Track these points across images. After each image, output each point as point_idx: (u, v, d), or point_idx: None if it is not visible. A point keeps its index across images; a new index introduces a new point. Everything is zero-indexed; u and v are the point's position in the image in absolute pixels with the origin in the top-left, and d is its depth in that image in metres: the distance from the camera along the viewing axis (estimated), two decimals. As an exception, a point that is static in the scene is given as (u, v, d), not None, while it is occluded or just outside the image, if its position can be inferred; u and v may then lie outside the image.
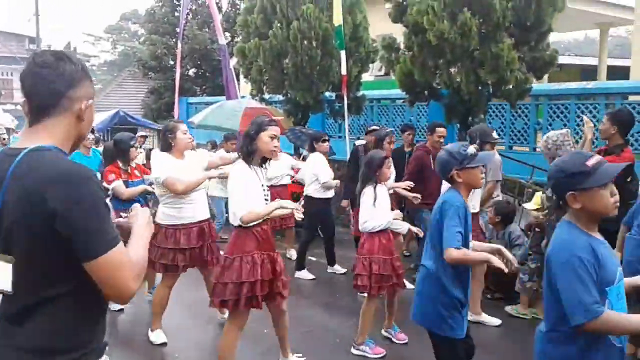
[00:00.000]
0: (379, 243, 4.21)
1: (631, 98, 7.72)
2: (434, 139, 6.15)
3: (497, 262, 2.78)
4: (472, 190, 4.33)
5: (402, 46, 7.45)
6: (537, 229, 5.13)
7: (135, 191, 5.25)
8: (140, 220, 1.78)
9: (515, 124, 8.76)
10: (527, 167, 7.64)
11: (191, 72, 19.75)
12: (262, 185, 3.59)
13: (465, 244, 2.86)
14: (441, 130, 6.18)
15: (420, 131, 10.29)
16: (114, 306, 5.42)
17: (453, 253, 2.77)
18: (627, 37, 29.12)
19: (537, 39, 7.10)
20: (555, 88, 8.55)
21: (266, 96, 10.42)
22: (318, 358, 4.25)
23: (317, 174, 6.46)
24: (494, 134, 4.84)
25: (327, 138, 6.70)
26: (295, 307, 5.08)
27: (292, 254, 7.25)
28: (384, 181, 4.37)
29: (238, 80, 12.07)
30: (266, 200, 3.61)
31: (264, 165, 3.66)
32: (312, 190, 6.54)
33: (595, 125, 4.84)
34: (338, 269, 6.72)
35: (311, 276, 6.51)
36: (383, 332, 4.63)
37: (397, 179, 7.11)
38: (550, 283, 2.07)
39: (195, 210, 4.48)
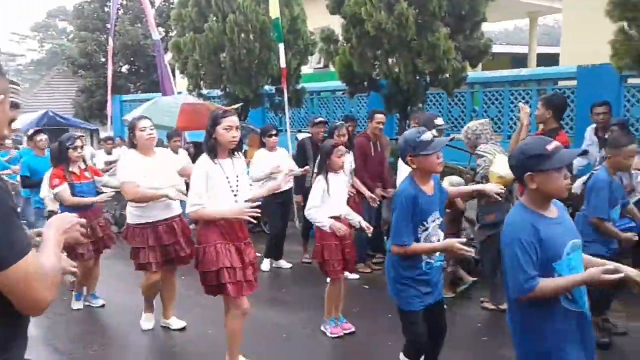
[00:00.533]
0: (330, 230, 4.22)
1: (561, 83, 8.02)
2: (373, 125, 6.23)
3: (450, 246, 2.96)
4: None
5: (340, 38, 7.43)
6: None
7: (79, 202, 5.00)
8: (54, 226, 1.69)
9: (452, 111, 8.95)
10: (464, 154, 7.78)
11: (124, 68, 19.10)
12: (228, 178, 3.55)
13: (415, 229, 3.01)
14: (380, 117, 6.25)
15: (361, 122, 10.34)
16: (95, 301, 5.38)
17: (394, 249, 3.03)
18: (554, 27, 30.37)
19: (472, 28, 7.25)
20: (489, 76, 8.78)
21: (204, 91, 10.18)
22: (266, 356, 4.17)
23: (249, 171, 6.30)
24: (438, 120, 4.81)
25: (273, 132, 6.51)
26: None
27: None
28: (336, 170, 4.36)
29: (174, 75, 11.74)
30: (236, 192, 3.59)
31: (236, 154, 3.64)
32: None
33: (529, 112, 4.95)
34: (283, 264, 6.63)
35: (288, 265, 6.56)
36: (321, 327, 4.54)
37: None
38: (504, 259, 2.30)
39: (162, 208, 4.39)
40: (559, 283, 2.17)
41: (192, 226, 5.08)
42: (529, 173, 2.22)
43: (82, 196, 5.05)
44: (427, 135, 2.98)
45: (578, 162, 6.06)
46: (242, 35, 8.78)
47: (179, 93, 11.91)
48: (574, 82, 7.59)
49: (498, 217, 4.52)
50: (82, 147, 5.29)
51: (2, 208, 1.41)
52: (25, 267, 1.42)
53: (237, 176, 3.62)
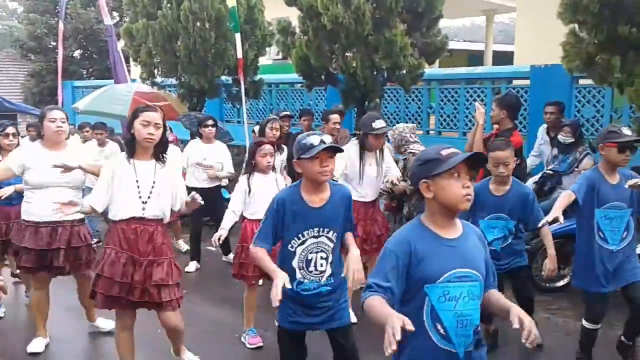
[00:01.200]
0: (250, 231, 4.02)
1: (515, 82, 8.14)
2: (330, 126, 6.20)
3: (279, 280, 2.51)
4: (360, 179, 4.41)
5: (297, 30, 7.33)
6: None
7: (4, 192, 4.50)
8: None
9: (410, 107, 8.98)
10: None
11: (76, 53, 18.46)
12: (138, 181, 3.24)
13: (287, 240, 2.82)
14: (334, 117, 6.22)
15: (318, 114, 10.28)
16: None
17: (250, 249, 2.85)
18: (511, 24, 30.93)
19: (429, 25, 7.26)
20: (445, 73, 8.84)
21: (158, 80, 9.91)
22: (216, 358, 4.08)
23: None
24: (376, 123, 4.40)
25: (210, 123, 6.24)
26: (187, 302, 4.86)
27: (181, 244, 6.99)
28: (263, 170, 4.12)
29: (127, 62, 11.40)
30: (145, 200, 3.27)
31: (161, 157, 3.34)
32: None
33: (484, 112, 4.97)
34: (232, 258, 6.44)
35: (194, 267, 6.23)
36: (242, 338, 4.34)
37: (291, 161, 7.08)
38: None
39: (47, 209, 3.76)
40: (375, 314, 1.84)
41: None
42: (423, 180, 2.00)
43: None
44: (314, 139, 2.67)
45: (531, 161, 6.16)
46: (197, 23, 8.58)
47: (133, 81, 11.58)
48: (527, 82, 7.70)
49: None
50: (14, 134, 4.98)
51: None
52: None
53: (153, 182, 3.29)
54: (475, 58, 18.06)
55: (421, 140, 8.56)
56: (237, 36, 8.14)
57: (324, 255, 2.82)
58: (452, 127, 8.54)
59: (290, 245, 2.81)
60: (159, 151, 3.33)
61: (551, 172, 5.54)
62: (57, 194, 3.79)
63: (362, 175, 4.46)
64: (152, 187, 3.29)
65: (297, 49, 7.06)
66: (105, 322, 4.47)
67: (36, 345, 4.12)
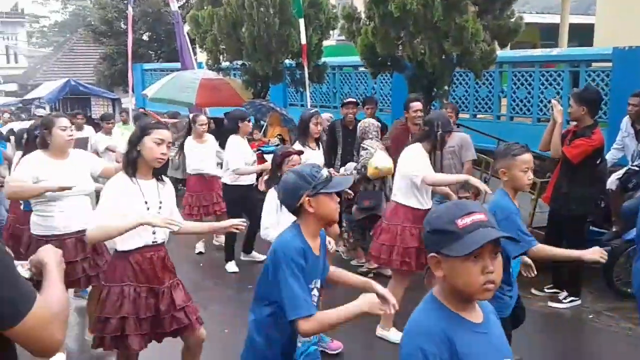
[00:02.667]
0: None
1: (595, 65, 7.62)
2: (410, 115, 5.84)
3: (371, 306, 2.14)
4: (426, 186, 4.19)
5: (363, 16, 7.11)
6: None
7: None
8: (53, 257, 1.62)
9: (480, 92, 8.61)
10: (490, 139, 7.51)
11: (145, 36, 18.87)
12: (147, 203, 2.97)
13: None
14: (415, 105, 5.91)
15: (384, 98, 10.07)
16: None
17: (304, 326, 2.15)
18: (588, -8, 29.01)
19: (502, 7, 6.85)
20: (519, 55, 8.39)
21: (223, 65, 9.95)
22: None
23: (228, 160, 5.89)
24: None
25: (250, 118, 6.21)
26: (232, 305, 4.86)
27: (221, 240, 6.70)
28: None
29: (193, 44, 11.53)
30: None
31: (160, 179, 3.11)
32: (226, 177, 6.03)
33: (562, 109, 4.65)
34: (256, 256, 6.29)
35: (234, 269, 6.09)
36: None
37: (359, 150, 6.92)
38: None
39: (71, 219, 3.74)
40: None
41: None
42: (432, 254, 1.56)
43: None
44: (325, 172, 2.32)
45: (612, 155, 5.76)
46: (261, 9, 8.50)
47: (200, 65, 11.72)
48: (609, 65, 7.19)
49: (372, 203, 5.38)
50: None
51: (6, 263, 1.38)
52: (35, 317, 1.39)
53: (161, 202, 3.05)
54: (549, 32, 17.08)
55: (491, 126, 8.33)
56: (301, 22, 8.03)
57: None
58: (525, 112, 8.13)
59: None
60: (160, 171, 3.10)
61: (637, 168, 5.16)
62: (78, 203, 3.75)
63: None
64: (160, 207, 3.06)
65: (363, 36, 6.85)
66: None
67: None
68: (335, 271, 2.54)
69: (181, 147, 6.67)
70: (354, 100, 7.03)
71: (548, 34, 17.18)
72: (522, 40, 11.19)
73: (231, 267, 6.11)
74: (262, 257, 6.29)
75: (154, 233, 3.02)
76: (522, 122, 8.21)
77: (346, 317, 2.15)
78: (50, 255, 1.64)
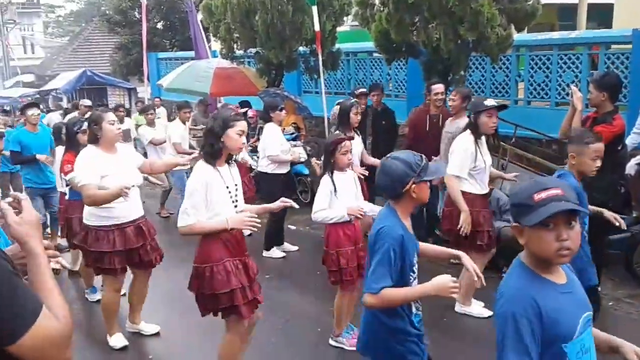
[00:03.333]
0: (343, 234, 3.89)
1: (614, 47, 7.46)
2: (432, 98, 6.04)
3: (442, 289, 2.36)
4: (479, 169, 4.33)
5: (377, 1, 7.04)
6: None
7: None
8: (36, 238, 1.47)
9: (496, 76, 8.50)
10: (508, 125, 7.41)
11: (159, 25, 18.86)
12: (228, 187, 3.27)
13: (404, 279, 2.47)
14: (437, 88, 6.02)
15: (399, 84, 9.99)
16: (91, 297, 5.26)
17: (368, 299, 2.41)
18: (607, -31, 28.29)
19: (518, -10, 6.73)
20: (536, 39, 8.24)
21: (237, 53, 9.92)
22: (299, 349, 4.12)
23: (265, 147, 6.04)
24: (488, 102, 4.42)
25: (283, 106, 6.32)
26: (271, 290, 4.93)
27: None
28: (342, 168, 3.94)
29: (207, 36, 11.53)
30: (235, 202, 3.32)
31: (230, 162, 3.38)
32: (263, 164, 6.17)
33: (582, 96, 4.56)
34: (288, 247, 6.45)
35: (280, 254, 6.28)
36: (330, 341, 4.23)
37: (374, 136, 6.96)
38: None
39: (130, 209, 4.03)
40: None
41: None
42: (514, 224, 1.80)
43: None
44: (423, 160, 2.50)
45: (633, 140, 5.65)
46: (275, -3, 8.45)
47: (214, 53, 11.72)
48: (629, 47, 7.04)
49: None
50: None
51: (2, 276, 1.30)
52: (35, 336, 1.32)
53: (235, 185, 3.36)
54: (567, 12, 16.76)
55: (508, 111, 8.16)
56: (314, 8, 7.97)
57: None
58: (542, 96, 8.01)
59: (409, 282, 2.50)
60: (231, 156, 3.39)
61: (657, 153, 5.08)
62: (132, 194, 3.92)
63: (484, 163, 4.39)
64: (236, 189, 3.36)
65: (377, 23, 6.79)
66: (149, 326, 4.49)
67: (118, 340, 4.26)
68: (422, 245, 2.72)
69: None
70: (365, 91, 7.08)
71: (566, 14, 16.87)
72: (540, 21, 11.01)
73: (276, 252, 6.28)
74: (294, 248, 6.45)
75: (236, 212, 3.30)
76: (540, 107, 8.10)
77: (413, 298, 2.46)
78: (29, 231, 1.47)
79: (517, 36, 7.32)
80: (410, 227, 2.56)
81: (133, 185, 3.92)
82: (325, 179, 3.90)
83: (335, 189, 3.85)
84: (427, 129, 6.08)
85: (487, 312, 4.50)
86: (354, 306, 4.12)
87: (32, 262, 1.46)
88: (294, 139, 8.68)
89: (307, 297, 5.14)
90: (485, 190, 4.50)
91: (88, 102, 10.93)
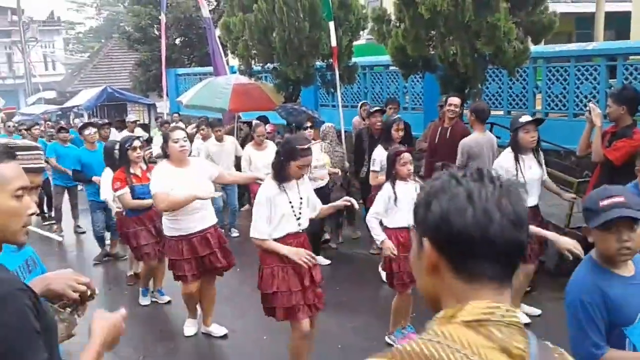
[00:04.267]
0: (396, 241, 4.10)
1: (632, 58, 7.42)
2: (446, 108, 6.11)
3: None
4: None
5: (393, 17, 7.10)
6: None
7: (139, 204, 5.14)
8: (105, 331, 1.55)
9: (514, 88, 8.49)
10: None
11: (177, 41, 19.15)
12: (292, 203, 3.59)
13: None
14: (452, 100, 6.04)
15: (416, 97, 10.03)
16: (162, 298, 5.56)
17: None
18: (624, -24, 28.05)
19: (535, 2, 6.75)
20: (553, 50, 8.24)
21: (255, 69, 10.05)
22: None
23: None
24: (523, 118, 4.52)
25: (309, 125, 6.73)
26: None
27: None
28: (404, 178, 4.20)
29: (225, 53, 11.68)
30: (299, 218, 3.62)
31: (302, 177, 3.69)
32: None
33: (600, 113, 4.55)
34: (321, 260, 6.24)
35: (326, 261, 6.41)
36: (386, 339, 4.43)
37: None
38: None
39: (195, 221, 4.38)
40: (630, 359, 2.02)
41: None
42: (584, 226, 2.15)
43: (144, 198, 5.08)
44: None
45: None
46: (292, 14, 8.56)
47: (232, 69, 11.87)
48: (647, 57, 7.01)
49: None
50: (141, 147, 5.33)
51: (24, 328, 1.29)
52: None
53: (300, 199, 3.65)
54: (584, 21, 16.69)
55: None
56: (331, 24, 8.07)
57: None
58: (560, 108, 7.99)
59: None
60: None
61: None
62: (199, 206, 4.33)
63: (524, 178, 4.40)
64: (300, 203, 3.66)
65: (393, 38, 6.85)
66: (219, 328, 4.75)
67: (191, 326, 4.78)
68: None
69: None
70: (381, 108, 7.11)
71: (583, 23, 16.80)
72: (557, 30, 11.00)
73: (323, 260, 6.34)
74: (326, 262, 6.44)
75: (299, 225, 3.64)
76: (558, 118, 8.07)
77: None
78: (102, 327, 1.55)
79: (534, 48, 7.34)
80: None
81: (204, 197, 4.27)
82: (387, 186, 4.22)
83: (396, 197, 4.12)
84: (437, 141, 6.13)
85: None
86: (410, 308, 4.36)
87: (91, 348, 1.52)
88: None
89: (327, 312, 5.15)
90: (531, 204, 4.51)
91: (132, 118, 11.34)
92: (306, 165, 3.57)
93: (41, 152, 2.25)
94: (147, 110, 17.13)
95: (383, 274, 5.52)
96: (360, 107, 8.42)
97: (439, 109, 6.33)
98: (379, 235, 4.10)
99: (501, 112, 8.66)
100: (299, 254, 3.48)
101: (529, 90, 8.32)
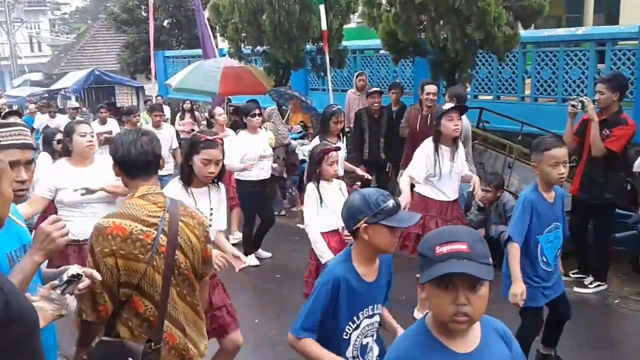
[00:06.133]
0: (328, 246, 3.75)
1: (621, 44, 7.47)
2: (423, 97, 6.11)
3: None
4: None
5: (383, 2, 7.08)
6: None
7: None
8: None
9: (503, 73, 8.52)
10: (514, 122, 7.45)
11: (166, 22, 18.92)
12: (210, 209, 3.24)
13: (338, 327, 2.29)
14: (430, 88, 6.04)
15: (406, 82, 10.03)
16: None
17: (290, 338, 2.27)
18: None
19: (525, -13, 6.75)
20: (543, 35, 8.26)
21: (245, 52, 9.99)
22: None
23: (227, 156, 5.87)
24: (446, 105, 4.40)
25: (257, 112, 5.99)
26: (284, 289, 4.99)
27: (237, 235, 6.66)
28: (329, 178, 3.84)
29: (215, 36, 11.59)
30: (210, 223, 3.15)
31: (217, 184, 3.33)
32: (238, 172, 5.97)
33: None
34: (261, 253, 6.26)
35: (255, 262, 6.00)
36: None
37: (387, 136, 7.01)
38: None
39: (78, 228, 3.44)
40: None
41: None
42: (417, 275, 1.57)
43: None
44: (390, 203, 2.18)
45: None
46: (282, -4, 8.51)
47: (221, 52, 11.78)
48: (635, 43, 7.05)
49: None
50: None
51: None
52: None
53: (211, 209, 3.26)
54: (574, 5, 16.69)
55: (515, 108, 8.26)
56: (321, 7, 8.02)
57: (375, 336, 2.42)
58: (549, 93, 8.04)
59: (344, 333, 2.28)
60: (213, 179, 3.27)
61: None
62: (98, 211, 3.57)
63: (440, 171, 4.30)
64: (211, 214, 3.26)
65: (384, 23, 6.84)
66: None
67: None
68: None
69: None
70: (379, 89, 7.14)
71: (573, 7, 16.80)
72: (547, 14, 11.01)
73: (252, 260, 5.96)
74: (267, 255, 6.26)
75: None
76: (547, 103, 8.13)
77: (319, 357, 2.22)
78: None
79: (523, 33, 7.35)
80: (371, 274, 2.29)
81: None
82: (311, 187, 3.83)
83: (321, 199, 3.79)
84: (418, 128, 6.14)
85: None
86: None
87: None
88: (301, 137, 8.78)
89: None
90: (446, 198, 4.40)
91: (73, 104, 10.94)
92: (210, 161, 3.10)
93: (24, 128, 2.26)
94: (136, 93, 17.00)
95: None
96: (356, 77, 8.45)
97: (420, 93, 6.39)
98: (324, 252, 3.67)
99: (490, 97, 8.71)
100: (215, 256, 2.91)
101: (518, 75, 8.35)
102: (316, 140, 5.08)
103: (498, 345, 1.62)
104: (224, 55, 10.85)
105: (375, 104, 6.84)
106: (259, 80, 9.35)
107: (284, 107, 9.49)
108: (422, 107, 6.27)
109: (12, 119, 6.32)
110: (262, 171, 5.97)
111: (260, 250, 6.28)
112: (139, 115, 8.75)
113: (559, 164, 3.11)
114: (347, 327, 2.28)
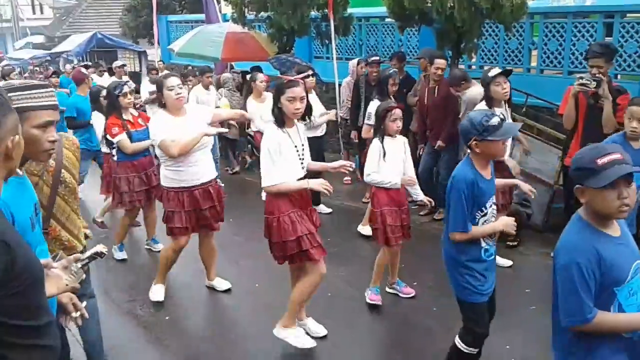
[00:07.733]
0: (387, 196, 4.19)
1: (630, 16, 7.36)
2: (432, 70, 6.15)
3: (506, 225, 3.00)
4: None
5: (390, -33, 6.97)
6: None
7: (140, 147, 5.09)
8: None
9: (509, 44, 8.42)
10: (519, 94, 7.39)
11: (169, -14, 18.60)
12: (296, 146, 3.55)
13: (474, 216, 2.93)
14: (439, 62, 6.11)
15: (411, 51, 9.92)
16: (117, 255, 5.49)
17: (456, 236, 2.92)
18: None
19: (535, -44, 6.64)
20: (551, 6, 8.13)
21: (249, 18, 9.86)
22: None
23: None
24: (493, 71, 4.66)
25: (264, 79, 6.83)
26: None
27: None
28: (392, 134, 4.21)
29: (218, 1, 11.44)
30: (302, 161, 3.59)
31: (306, 119, 3.67)
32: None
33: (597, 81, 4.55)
34: (323, 209, 6.59)
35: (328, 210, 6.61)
36: (387, 289, 4.59)
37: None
38: (555, 280, 2.12)
39: (198, 172, 4.24)
40: (620, 321, 2.03)
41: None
42: (577, 186, 2.04)
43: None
44: (495, 120, 2.79)
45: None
46: (287, -40, 8.36)
47: (225, 17, 11.63)
48: (644, 15, 6.95)
49: None
50: (131, 93, 5.25)
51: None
52: None
53: (302, 143, 3.63)
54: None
55: (521, 79, 8.17)
56: (328, -27, 7.90)
57: (494, 220, 3.04)
58: (555, 65, 7.96)
59: (475, 220, 2.93)
60: (302, 115, 3.60)
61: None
62: (202, 157, 4.22)
63: None
64: (303, 147, 3.65)
65: (390, -10, 6.74)
66: (222, 282, 4.77)
67: (159, 292, 4.57)
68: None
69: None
70: (378, 59, 7.12)
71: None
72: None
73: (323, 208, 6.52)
74: (327, 210, 6.68)
75: (303, 168, 3.62)
76: (553, 75, 8.05)
77: (483, 235, 2.94)
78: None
79: (531, 3, 7.24)
80: (488, 174, 2.95)
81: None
82: (375, 142, 4.21)
83: (384, 153, 4.14)
84: (426, 102, 6.30)
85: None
86: (397, 264, 4.48)
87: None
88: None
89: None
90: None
91: (119, 63, 11.21)
92: (295, 98, 3.42)
93: (53, 90, 2.29)
94: (138, 57, 16.82)
95: (363, 230, 5.72)
96: (358, 64, 8.34)
97: (422, 66, 6.45)
98: (388, 181, 4.16)
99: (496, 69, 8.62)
100: (321, 183, 3.49)
101: (525, 46, 8.25)
102: (376, 102, 5.38)
103: (627, 230, 2.15)
104: (227, 20, 10.72)
105: (374, 73, 6.85)
106: (262, 47, 9.27)
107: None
108: (428, 80, 6.27)
109: (53, 79, 6.81)
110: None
111: (321, 206, 6.60)
112: (211, 76, 8.66)
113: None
114: (477, 214, 2.92)
